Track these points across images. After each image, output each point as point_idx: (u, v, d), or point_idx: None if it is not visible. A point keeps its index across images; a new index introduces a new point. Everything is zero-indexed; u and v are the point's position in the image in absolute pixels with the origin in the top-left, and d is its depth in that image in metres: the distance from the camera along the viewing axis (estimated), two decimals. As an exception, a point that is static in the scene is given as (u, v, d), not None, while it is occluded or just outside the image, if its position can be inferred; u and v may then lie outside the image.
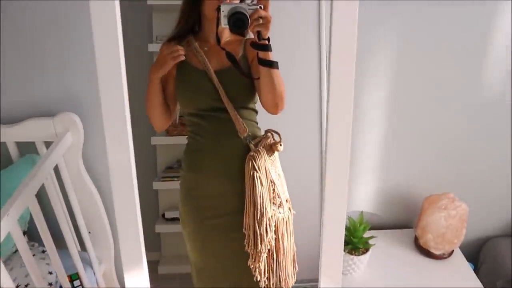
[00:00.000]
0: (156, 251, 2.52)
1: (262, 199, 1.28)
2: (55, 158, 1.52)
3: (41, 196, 1.44)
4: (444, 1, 1.82)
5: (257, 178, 1.28)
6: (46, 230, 1.39)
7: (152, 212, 2.42)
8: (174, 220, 2.34)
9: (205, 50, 1.34)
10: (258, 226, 1.28)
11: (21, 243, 1.25)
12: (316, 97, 1.92)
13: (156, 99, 1.35)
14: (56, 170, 1.61)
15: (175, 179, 2.19)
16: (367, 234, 1.89)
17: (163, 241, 2.50)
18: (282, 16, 1.77)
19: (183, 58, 1.29)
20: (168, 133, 2.19)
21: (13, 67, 1.66)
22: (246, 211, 1.30)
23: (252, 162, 1.29)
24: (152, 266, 2.36)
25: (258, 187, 1.28)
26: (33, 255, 1.70)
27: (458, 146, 2.05)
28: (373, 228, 2.11)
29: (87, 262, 1.78)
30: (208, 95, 1.31)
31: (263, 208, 1.28)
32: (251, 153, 1.31)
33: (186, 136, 1.43)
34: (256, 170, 1.28)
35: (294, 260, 1.45)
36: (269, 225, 1.30)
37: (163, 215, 2.39)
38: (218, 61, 1.32)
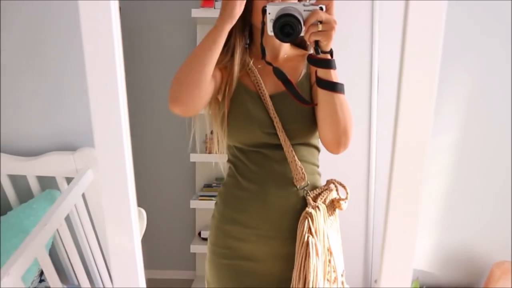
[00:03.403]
0: (191, 270, 2.47)
1: (316, 273, 0.96)
2: (72, 200, 1.39)
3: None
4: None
5: (312, 246, 0.96)
6: (57, 282, 1.26)
7: (188, 231, 2.40)
8: (210, 239, 2.28)
9: (260, 68, 1.06)
10: None
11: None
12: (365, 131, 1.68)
13: (207, 59, 0.95)
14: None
15: (213, 198, 2.10)
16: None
17: (198, 260, 2.44)
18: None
19: None
20: (207, 150, 2.15)
21: (35, 98, 1.57)
22: (292, 287, 0.99)
23: (308, 222, 0.98)
24: (186, 285, 2.37)
25: (313, 258, 0.96)
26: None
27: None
28: (428, 288, 1.83)
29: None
30: (260, 126, 1.02)
31: (314, 286, 0.96)
32: (308, 210, 1.00)
33: (227, 168, 1.13)
34: (311, 234, 0.98)
35: None
36: None
37: (199, 234, 2.33)
38: (275, 82, 1.03)
